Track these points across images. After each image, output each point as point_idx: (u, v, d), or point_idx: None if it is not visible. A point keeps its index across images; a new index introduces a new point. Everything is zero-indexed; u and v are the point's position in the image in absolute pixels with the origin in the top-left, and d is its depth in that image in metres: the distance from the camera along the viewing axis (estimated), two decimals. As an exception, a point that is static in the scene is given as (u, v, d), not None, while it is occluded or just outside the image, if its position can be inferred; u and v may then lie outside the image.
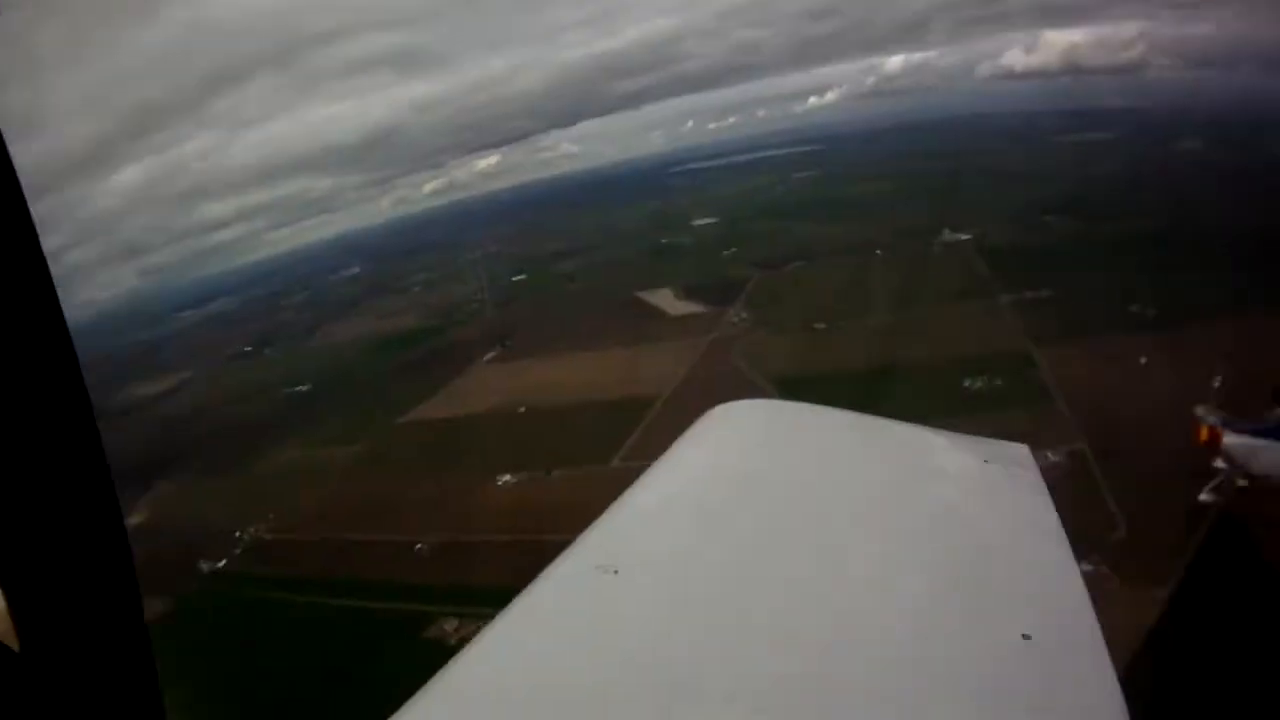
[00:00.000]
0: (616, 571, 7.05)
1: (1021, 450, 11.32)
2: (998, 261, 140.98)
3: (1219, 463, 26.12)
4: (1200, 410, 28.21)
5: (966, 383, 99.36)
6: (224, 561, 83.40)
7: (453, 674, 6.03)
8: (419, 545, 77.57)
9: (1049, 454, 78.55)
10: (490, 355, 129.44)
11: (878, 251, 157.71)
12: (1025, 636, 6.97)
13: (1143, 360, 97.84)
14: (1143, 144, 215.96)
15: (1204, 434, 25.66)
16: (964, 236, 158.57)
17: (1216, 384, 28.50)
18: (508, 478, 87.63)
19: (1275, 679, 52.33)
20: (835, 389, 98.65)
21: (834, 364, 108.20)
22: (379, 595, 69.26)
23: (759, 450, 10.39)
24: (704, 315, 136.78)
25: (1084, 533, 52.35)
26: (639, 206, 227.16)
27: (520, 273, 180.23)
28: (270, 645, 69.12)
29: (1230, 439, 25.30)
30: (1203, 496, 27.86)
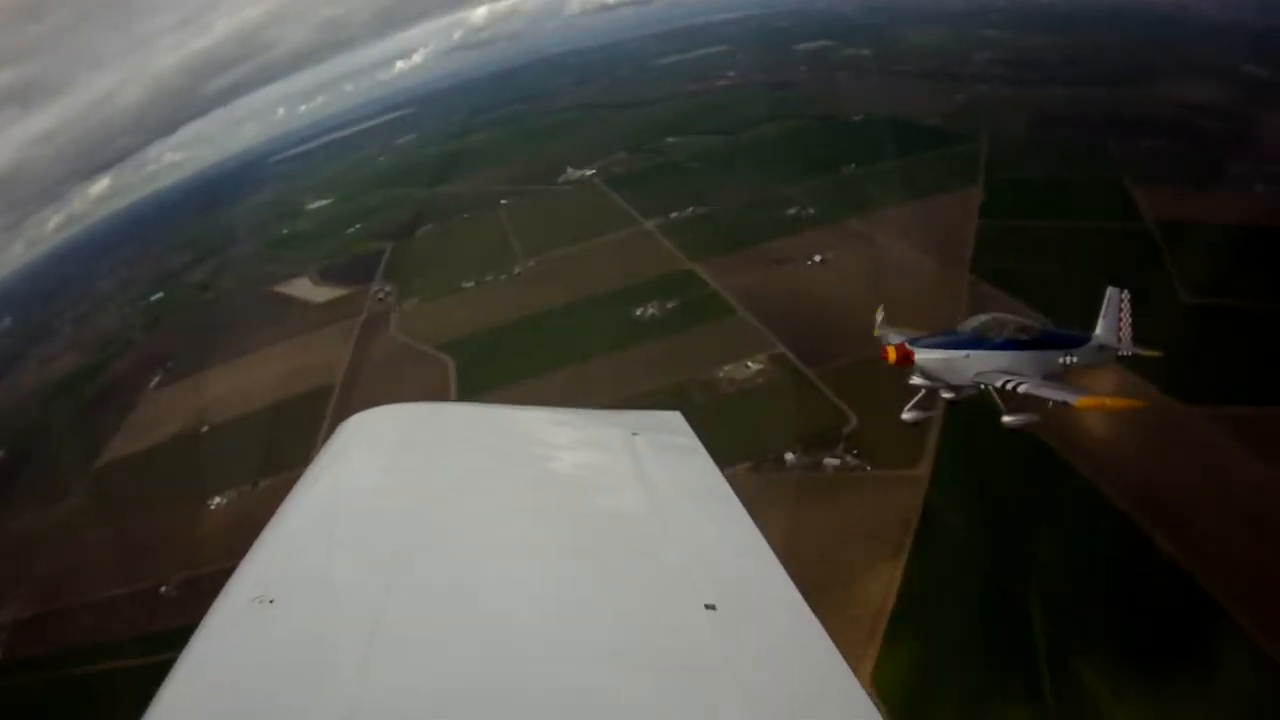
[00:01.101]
0: (273, 601, 7.04)
1: (673, 417, 12.33)
2: (630, 190, 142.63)
3: (916, 379, 27.38)
4: (880, 331, 29.65)
5: (638, 312, 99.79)
6: (-2, 652, 76.30)
7: None
8: (163, 588, 73.36)
9: (749, 363, 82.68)
10: (156, 381, 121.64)
11: (503, 201, 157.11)
12: (709, 607, 7.35)
13: (817, 258, 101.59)
14: (763, 51, 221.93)
15: (891, 354, 26.66)
16: (588, 172, 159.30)
17: (879, 316, 29.88)
18: (219, 500, 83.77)
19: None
20: (504, 344, 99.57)
21: (496, 319, 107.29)
22: (146, 649, 64.16)
23: (398, 459, 10.43)
24: (348, 297, 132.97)
25: (818, 429, 56.48)
26: (249, 201, 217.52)
27: (157, 291, 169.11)
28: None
29: (922, 355, 26.46)
30: (905, 416, 28.96)
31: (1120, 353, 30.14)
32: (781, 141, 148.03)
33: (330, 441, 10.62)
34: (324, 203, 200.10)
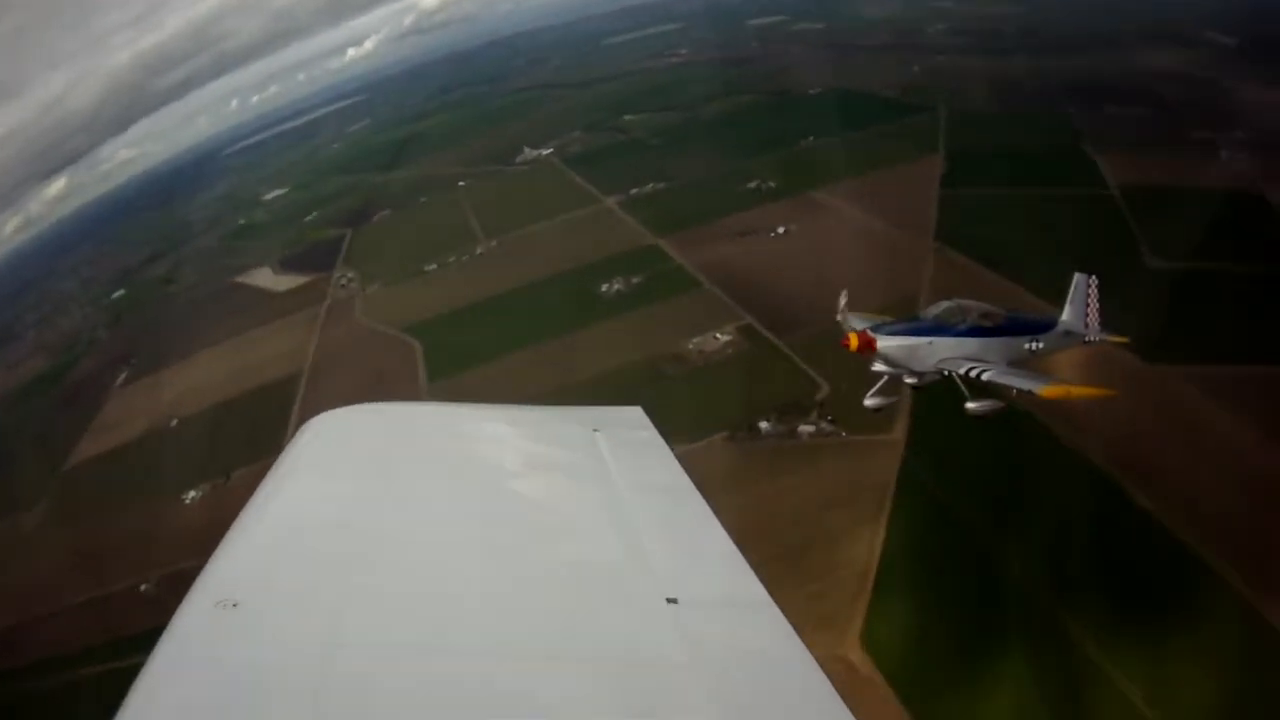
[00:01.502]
0: (236, 605, 6.97)
1: (634, 412, 12.54)
2: (589, 168, 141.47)
3: (878, 366, 26.97)
4: (842, 318, 29.30)
5: (604, 288, 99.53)
6: (-22, 665, 73.44)
7: None
8: (143, 587, 72.11)
9: (718, 335, 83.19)
10: (121, 379, 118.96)
11: (461, 183, 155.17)
12: (671, 600, 7.54)
13: (780, 230, 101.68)
14: (716, 27, 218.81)
15: (854, 342, 26.19)
16: (546, 151, 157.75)
17: (843, 300, 29.61)
18: (193, 494, 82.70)
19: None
20: (471, 325, 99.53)
21: (460, 300, 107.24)
22: (129, 650, 59.57)
23: (359, 461, 10.43)
24: (311, 284, 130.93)
25: (791, 397, 61.60)
26: (205, 194, 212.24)
27: (118, 289, 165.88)
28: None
29: (884, 342, 25.87)
30: (868, 402, 28.61)
31: (1087, 339, 29.49)
32: (739, 116, 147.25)
33: (291, 444, 10.65)
34: (280, 192, 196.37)
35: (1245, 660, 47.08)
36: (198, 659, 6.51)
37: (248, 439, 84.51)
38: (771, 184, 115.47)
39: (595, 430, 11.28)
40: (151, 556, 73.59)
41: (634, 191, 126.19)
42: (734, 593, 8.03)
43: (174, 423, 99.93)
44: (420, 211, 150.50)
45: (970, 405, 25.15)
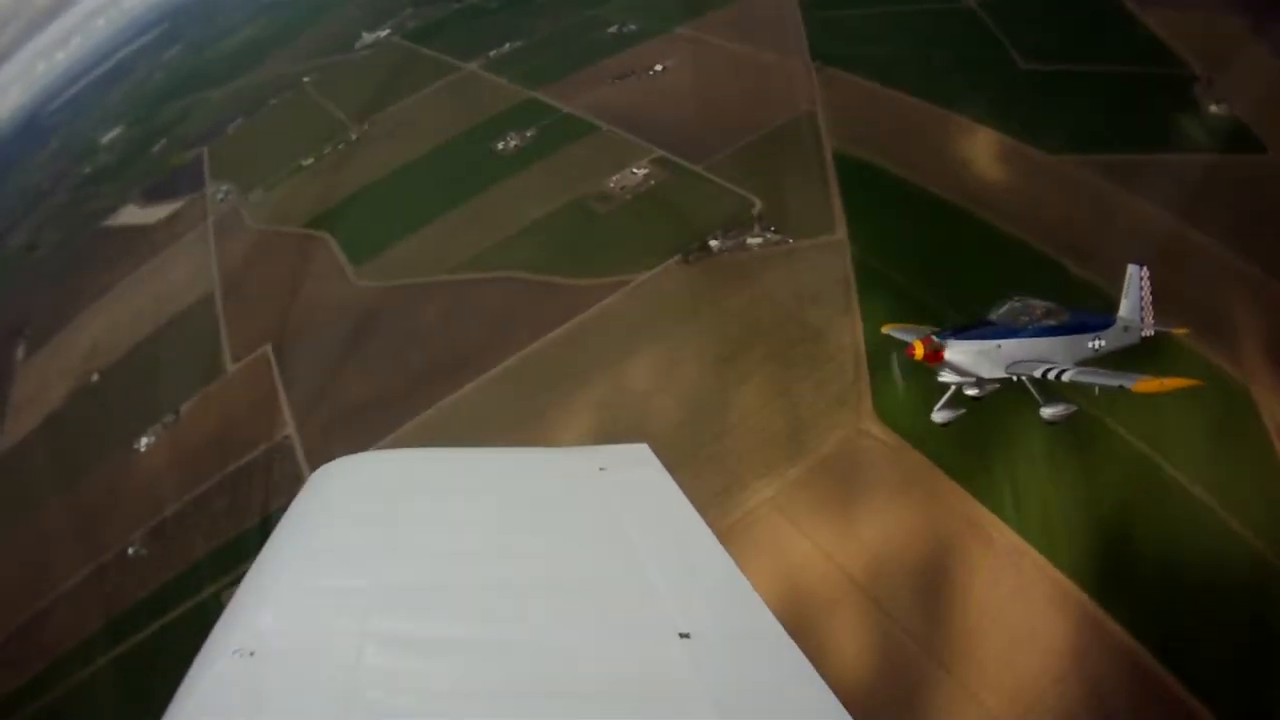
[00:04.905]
0: (253, 654, 6.74)
1: (641, 449, 11.72)
2: (436, 40, 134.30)
3: (945, 376, 25.12)
4: (888, 329, 29.25)
5: (499, 146, 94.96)
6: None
7: None
8: (130, 550, 65.85)
9: (634, 170, 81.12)
10: (21, 353, 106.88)
11: (306, 79, 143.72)
12: (684, 636, 7.22)
13: (658, 67, 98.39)
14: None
15: (919, 350, 24.16)
16: (384, 33, 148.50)
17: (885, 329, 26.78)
18: (145, 440, 75.25)
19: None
20: (375, 206, 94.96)
21: (354, 184, 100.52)
22: (141, 620, 58.15)
23: (369, 507, 10.03)
24: (187, 207, 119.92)
25: (728, 215, 68.95)
26: (39, 155, 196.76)
27: None
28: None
29: (953, 349, 24.09)
30: (936, 417, 27.53)
31: (1145, 333, 28.40)
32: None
33: (301, 492, 10.41)
34: (116, 132, 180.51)
35: (1208, 401, 48.28)
36: (216, 708, 6.33)
37: (184, 369, 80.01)
38: (632, 26, 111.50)
39: (601, 469, 11.00)
40: (127, 517, 68.53)
41: (493, 54, 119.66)
42: (746, 626, 7.70)
43: (95, 377, 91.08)
44: (274, 113, 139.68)
45: (1045, 412, 24.70)
